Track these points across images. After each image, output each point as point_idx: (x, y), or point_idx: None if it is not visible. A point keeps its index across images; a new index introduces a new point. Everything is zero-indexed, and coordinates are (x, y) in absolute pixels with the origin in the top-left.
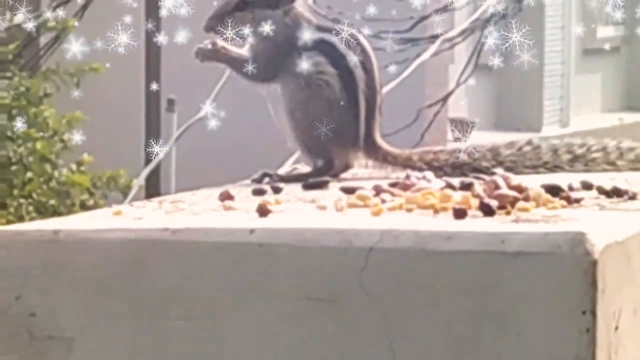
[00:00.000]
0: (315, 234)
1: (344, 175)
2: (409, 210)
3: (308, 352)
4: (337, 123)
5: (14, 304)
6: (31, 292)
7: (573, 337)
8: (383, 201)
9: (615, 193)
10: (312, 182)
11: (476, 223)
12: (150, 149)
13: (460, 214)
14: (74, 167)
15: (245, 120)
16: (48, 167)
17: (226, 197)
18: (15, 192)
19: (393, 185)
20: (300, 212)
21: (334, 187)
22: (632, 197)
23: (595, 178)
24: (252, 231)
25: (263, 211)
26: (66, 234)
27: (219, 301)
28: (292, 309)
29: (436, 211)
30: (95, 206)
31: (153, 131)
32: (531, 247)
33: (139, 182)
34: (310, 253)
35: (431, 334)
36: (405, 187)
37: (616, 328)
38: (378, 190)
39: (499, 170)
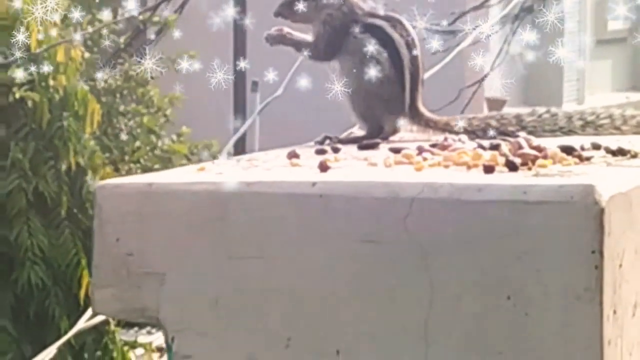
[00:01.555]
0: (366, 186)
1: (392, 138)
2: (446, 166)
3: (359, 286)
4: (387, 94)
5: (114, 245)
6: (128, 235)
7: (584, 273)
8: (425, 159)
9: (620, 152)
10: (365, 143)
11: (502, 177)
12: (237, 122)
13: (489, 169)
14: (174, 137)
15: (314, 95)
16: (153, 137)
17: (293, 155)
18: (127, 158)
19: (433, 145)
20: (355, 168)
21: (384, 147)
22: (634, 156)
23: (604, 140)
24: (313, 184)
25: (323, 167)
26: (158, 186)
27: (286, 243)
28: (347, 250)
29: (469, 167)
30: None
31: (240, 108)
32: (548, 197)
33: (227, 148)
34: (362, 202)
35: (464, 272)
36: (444, 148)
37: (620, 265)
38: (420, 150)
39: (522, 134)
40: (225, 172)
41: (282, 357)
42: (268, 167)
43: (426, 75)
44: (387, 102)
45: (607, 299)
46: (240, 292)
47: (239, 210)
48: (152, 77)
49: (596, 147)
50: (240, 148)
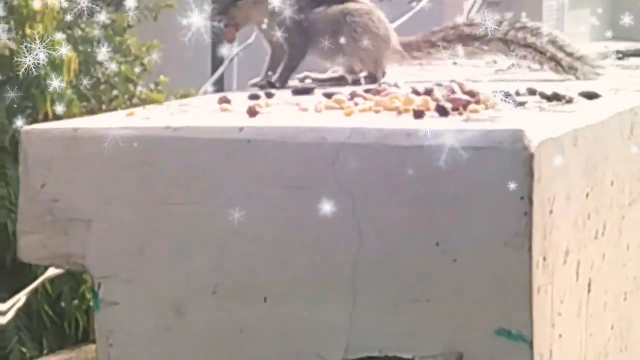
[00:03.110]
0: (294, 131)
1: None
2: (377, 112)
3: (286, 233)
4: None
5: (40, 192)
6: (54, 181)
7: (513, 219)
8: (356, 104)
9: (555, 98)
10: (300, 88)
11: (432, 122)
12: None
13: (419, 114)
14: (152, 86)
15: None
16: (131, 86)
17: (224, 101)
18: (104, 107)
19: (367, 91)
20: (285, 113)
21: (319, 93)
22: (569, 102)
23: (540, 85)
24: (241, 129)
25: (252, 113)
26: (84, 131)
27: (213, 189)
28: (274, 195)
29: (400, 113)
30: None
31: (217, 57)
32: (477, 142)
33: (201, 93)
34: (289, 148)
35: (393, 218)
36: (377, 93)
37: (551, 212)
38: (353, 95)
39: (456, 79)
40: (153, 118)
41: (209, 305)
42: (197, 113)
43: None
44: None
45: (537, 245)
46: (166, 239)
47: (166, 155)
48: (129, 26)
49: (532, 92)
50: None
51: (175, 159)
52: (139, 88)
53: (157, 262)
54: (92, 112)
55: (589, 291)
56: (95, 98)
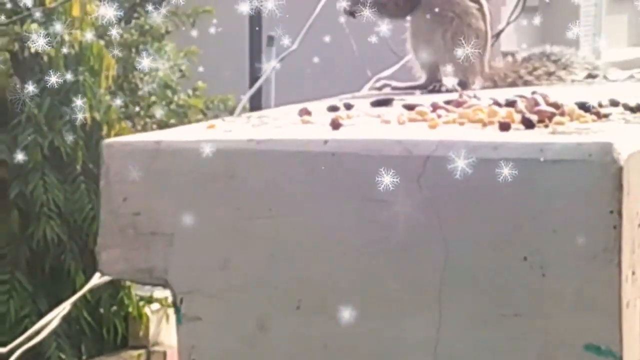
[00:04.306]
0: (378, 144)
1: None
2: (461, 124)
3: (371, 246)
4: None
5: (121, 205)
6: (136, 194)
7: (602, 233)
8: (439, 116)
9: (639, 109)
10: (378, 100)
11: (518, 135)
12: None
13: (505, 126)
14: (190, 92)
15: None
16: (169, 92)
17: (304, 112)
18: (142, 112)
19: (448, 102)
20: (367, 125)
21: (397, 104)
22: None
23: (622, 96)
24: (325, 142)
25: (335, 124)
26: (166, 144)
27: (296, 202)
28: (359, 209)
29: (484, 125)
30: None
31: (256, 63)
32: (566, 155)
33: (242, 104)
34: (374, 161)
35: (479, 231)
36: (458, 104)
37: (639, 226)
38: (435, 107)
39: (539, 90)
40: (235, 130)
41: (293, 319)
42: (279, 125)
43: None
44: (480, 55)
45: (626, 259)
46: (249, 253)
47: (249, 169)
48: (167, 32)
49: (614, 103)
50: (255, 104)
51: (258, 171)
52: (178, 94)
53: (240, 276)
54: (129, 117)
55: None
56: (133, 104)
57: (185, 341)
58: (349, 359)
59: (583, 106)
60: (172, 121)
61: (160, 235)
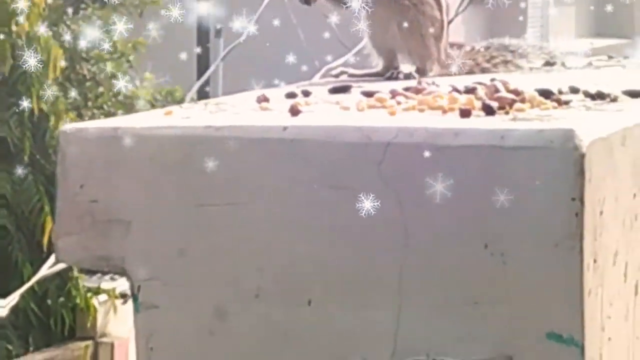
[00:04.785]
0: (338, 130)
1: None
2: (421, 110)
3: (331, 233)
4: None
5: (78, 193)
6: (93, 181)
7: (564, 221)
8: (398, 103)
9: (599, 96)
10: (336, 87)
11: (479, 121)
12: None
13: (465, 113)
14: (138, 83)
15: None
16: (116, 82)
17: (262, 99)
18: (89, 104)
19: (407, 89)
20: (327, 112)
21: (356, 91)
22: (614, 100)
23: (581, 83)
24: (284, 128)
25: (294, 111)
26: (123, 131)
27: (255, 189)
28: (318, 196)
29: (445, 111)
30: None
31: (203, 54)
32: (527, 142)
33: (190, 94)
34: (334, 147)
35: (441, 218)
36: (417, 91)
37: (601, 213)
38: (394, 94)
39: (498, 77)
40: (193, 117)
41: (252, 308)
42: (237, 111)
43: None
44: (436, 41)
45: (588, 247)
46: (208, 241)
47: (207, 155)
48: (114, 23)
49: (574, 90)
50: (203, 94)
51: (218, 159)
52: (124, 85)
53: (198, 264)
54: (77, 108)
55: (636, 293)
56: (80, 95)
57: (143, 329)
58: (308, 347)
59: (544, 93)
60: (120, 112)
61: (117, 222)
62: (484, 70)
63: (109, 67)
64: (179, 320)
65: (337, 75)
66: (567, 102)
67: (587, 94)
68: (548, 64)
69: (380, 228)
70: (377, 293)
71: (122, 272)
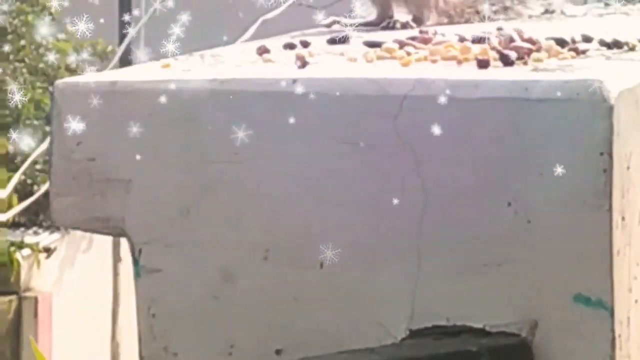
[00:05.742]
0: (352, 83)
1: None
2: (434, 61)
3: (344, 193)
4: None
5: (75, 150)
6: (91, 138)
7: (592, 177)
8: (408, 54)
9: (616, 45)
10: (334, 37)
11: (499, 72)
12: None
13: (483, 64)
14: (59, 36)
15: None
16: (37, 36)
17: (264, 50)
18: (11, 57)
19: (412, 39)
20: (334, 64)
21: (355, 41)
22: (632, 49)
23: (590, 32)
24: (294, 81)
25: (302, 63)
26: (122, 85)
27: (264, 146)
28: (331, 152)
29: (459, 62)
30: (78, 69)
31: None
32: (552, 94)
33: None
34: (348, 101)
35: (460, 175)
36: (425, 41)
37: (628, 168)
38: (401, 44)
39: (510, 25)
40: (194, 69)
41: (260, 270)
42: (238, 64)
43: None
44: None
45: (616, 204)
46: (213, 200)
47: (212, 110)
48: None
49: (587, 39)
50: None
51: (224, 113)
52: (46, 37)
53: (204, 225)
54: None
55: None
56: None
57: (145, 295)
58: (320, 312)
59: (559, 42)
60: (41, 65)
61: (116, 181)
62: (483, 19)
63: (30, 19)
64: (182, 284)
65: (329, 25)
66: (584, 52)
67: (603, 43)
68: (547, 11)
69: (397, 185)
70: (393, 254)
71: (122, 234)
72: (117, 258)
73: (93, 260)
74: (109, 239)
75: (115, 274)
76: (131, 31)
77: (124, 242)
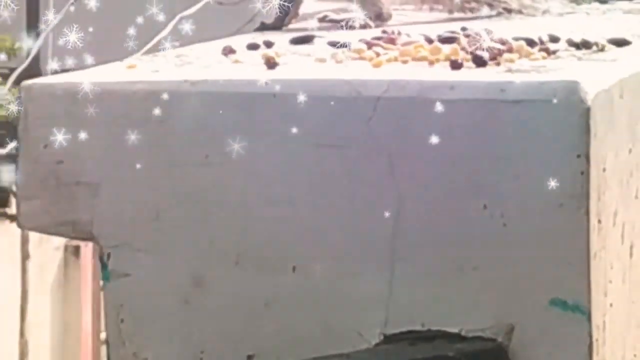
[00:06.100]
0: (325, 84)
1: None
2: (404, 62)
3: (317, 196)
4: None
5: (42, 153)
6: (58, 141)
7: (569, 179)
8: (377, 54)
9: (584, 45)
10: (299, 36)
11: (473, 73)
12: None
13: (456, 65)
14: None
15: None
16: None
17: (229, 51)
18: None
19: (378, 39)
20: (304, 64)
21: (319, 42)
22: (601, 49)
23: (560, 32)
24: (266, 82)
25: (271, 64)
26: (91, 87)
27: (234, 148)
28: (303, 155)
29: (431, 63)
30: None
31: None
32: (529, 95)
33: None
34: (321, 103)
35: (435, 177)
36: (391, 41)
37: (604, 170)
38: (369, 44)
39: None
40: (162, 70)
41: (231, 275)
42: (205, 64)
43: None
44: None
45: (593, 207)
46: (183, 204)
47: (182, 112)
48: None
49: (554, 39)
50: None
51: (194, 116)
52: None
53: (173, 229)
54: None
55: (631, 255)
56: None
57: (113, 300)
58: (292, 317)
59: (528, 43)
60: None
61: (85, 185)
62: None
63: None
64: (152, 289)
65: (321, 20)
66: (554, 52)
67: (572, 43)
68: (506, 10)
69: (371, 189)
70: (367, 258)
71: (90, 238)
72: (25, 255)
73: (1, 258)
74: (17, 235)
75: (24, 270)
76: (46, 29)
77: (32, 240)
